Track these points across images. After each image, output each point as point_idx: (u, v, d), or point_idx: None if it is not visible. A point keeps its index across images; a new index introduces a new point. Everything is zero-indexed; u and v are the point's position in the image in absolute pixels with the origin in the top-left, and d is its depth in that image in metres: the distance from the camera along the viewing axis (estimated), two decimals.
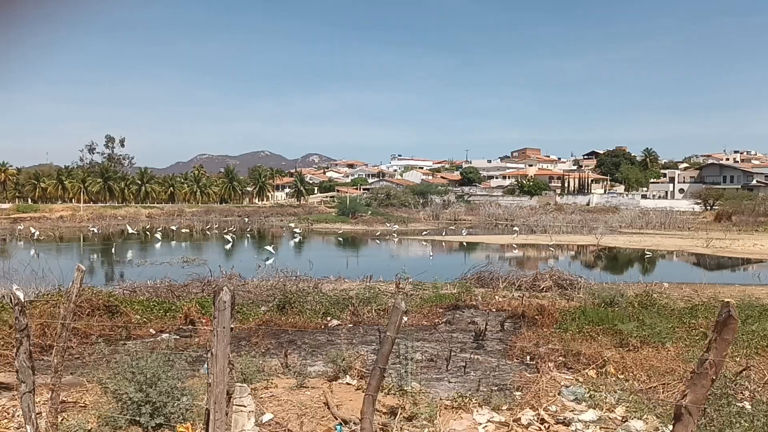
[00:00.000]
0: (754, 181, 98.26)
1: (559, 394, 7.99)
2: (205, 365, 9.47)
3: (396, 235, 59.10)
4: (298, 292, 16.34)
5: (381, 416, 6.94)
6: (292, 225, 70.25)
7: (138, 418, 5.70)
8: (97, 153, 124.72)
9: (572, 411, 7.43)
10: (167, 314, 14.49)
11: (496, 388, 8.64)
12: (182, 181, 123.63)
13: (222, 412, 4.05)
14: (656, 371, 8.72)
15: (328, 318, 14.90)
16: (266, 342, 12.16)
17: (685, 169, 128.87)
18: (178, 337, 12.92)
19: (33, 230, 57.31)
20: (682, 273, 32.88)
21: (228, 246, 48.04)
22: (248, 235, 62.13)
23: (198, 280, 19.88)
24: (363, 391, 7.92)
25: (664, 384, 7.61)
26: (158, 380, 5.91)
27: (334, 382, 8.38)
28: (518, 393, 8.23)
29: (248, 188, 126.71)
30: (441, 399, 7.71)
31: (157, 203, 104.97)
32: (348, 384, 8.35)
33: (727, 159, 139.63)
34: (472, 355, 10.90)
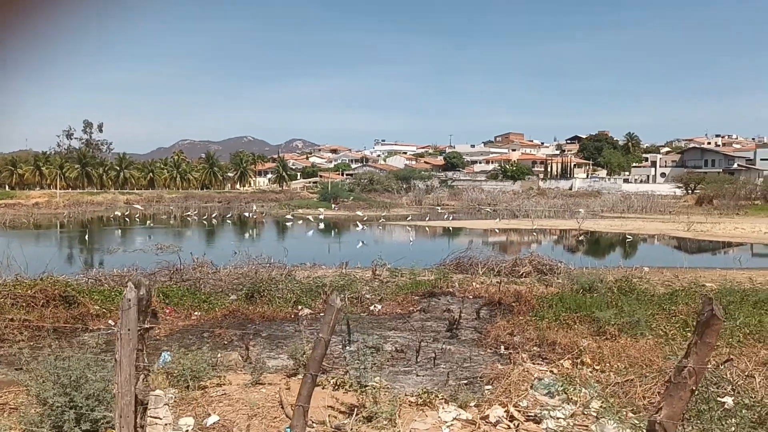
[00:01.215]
0: (735, 165, 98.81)
1: (531, 387, 7.54)
2: (160, 359, 8.92)
3: (385, 220, 58.59)
4: (269, 280, 15.75)
5: (338, 416, 6.44)
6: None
7: (61, 425, 5.14)
8: (75, 138, 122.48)
9: (544, 406, 6.97)
10: None
11: (466, 381, 8.18)
12: (162, 166, 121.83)
13: (129, 427, 3.52)
14: (634, 362, 8.29)
15: (299, 307, 14.36)
16: (230, 333, 11.61)
17: (667, 153, 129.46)
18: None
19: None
20: (663, 257, 32.73)
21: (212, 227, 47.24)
22: (228, 221, 61.24)
23: (167, 268, 19.20)
24: (323, 388, 7.44)
25: (642, 377, 7.17)
26: (86, 382, 5.35)
27: (293, 378, 7.85)
28: (489, 387, 7.78)
29: (230, 174, 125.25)
30: (406, 395, 7.22)
31: (137, 189, 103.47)
32: None
33: (709, 143, 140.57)
34: (444, 346, 10.44)
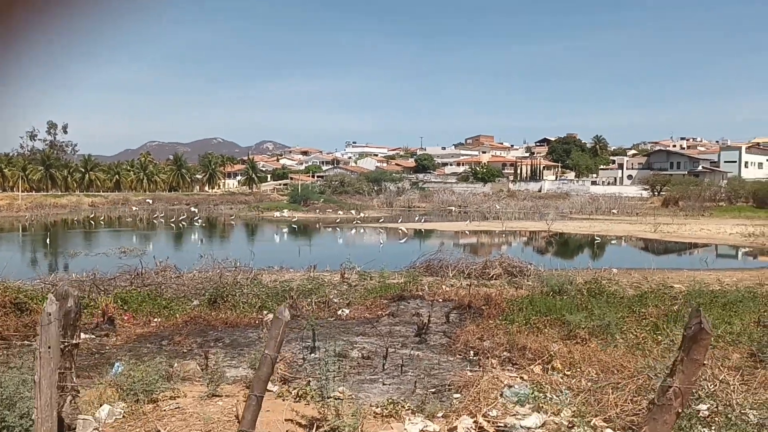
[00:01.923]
0: (700, 167, 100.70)
1: (501, 395, 7.28)
2: (113, 370, 8.45)
3: (361, 223, 58.17)
4: (233, 284, 15.28)
5: (297, 430, 6.08)
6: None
7: None
8: (39, 140, 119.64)
9: (514, 415, 6.72)
10: (85, 311, 13.25)
11: (434, 389, 7.88)
12: (128, 168, 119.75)
13: None
14: (605, 367, 8.10)
15: (264, 312, 13.88)
16: (190, 341, 11.15)
17: (634, 155, 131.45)
18: (93, 336, 11.77)
19: None
20: (631, 258, 32.98)
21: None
22: (195, 224, 60.21)
23: (128, 273, 18.56)
24: (283, 399, 7.08)
25: (615, 384, 6.96)
26: (20, 399, 4.91)
27: None
28: (457, 395, 7.49)
29: (198, 176, 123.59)
30: (371, 406, 6.90)
31: (102, 191, 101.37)
32: (268, 391, 7.43)
33: (674, 146, 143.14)
34: (412, 352, 10.14)
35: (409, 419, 6.44)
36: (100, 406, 6.41)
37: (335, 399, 6.59)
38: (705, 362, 2.76)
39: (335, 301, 15.10)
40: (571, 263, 29.41)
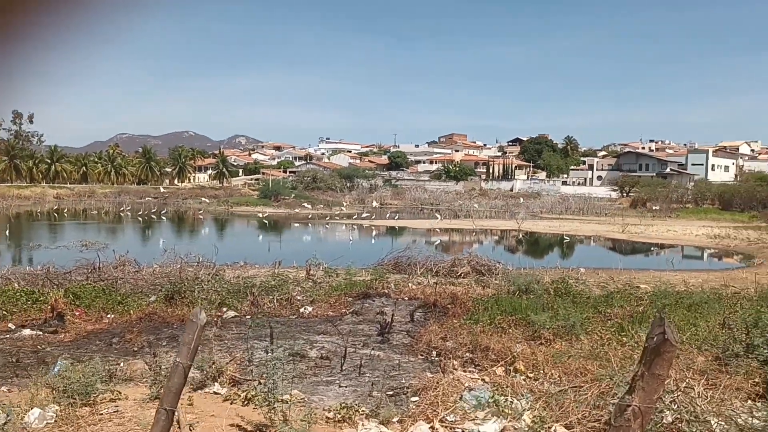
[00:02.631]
0: (668, 169, 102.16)
1: (460, 398, 7.00)
2: (54, 369, 7.97)
3: (340, 219, 57.64)
4: (192, 279, 14.79)
5: None
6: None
7: None
8: (4, 129, 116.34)
9: (473, 420, 6.44)
10: (35, 306, 12.67)
11: (392, 392, 7.57)
12: (96, 160, 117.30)
13: None
14: (568, 369, 7.87)
15: (224, 309, 13.49)
16: (142, 338, 10.67)
17: (604, 157, 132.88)
18: (41, 332, 11.22)
19: None
20: (598, 258, 33.14)
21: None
22: (163, 218, 59.10)
23: (85, 267, 17.92)
24: (231, 403, 6.70)
25: (577, 387, 6.73)
26: None
27: (199, 392, 7.08)
28: (415, 398, 7.19)
29: (168, 169, 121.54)
30: (324, 410, 6.56)
31: (69, 183, 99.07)
32: (215, 393, 7.06)
33: (643, 148, 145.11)
34: (373, 352, 9.81)
35: (363, 425, 6.12)
36: (31, 409, 5.96)
37: (285, 403, 6.22)
38: (668, 377, 2.48)
39: (298, 298, 14.71)
40: (540, 262, 29.42)
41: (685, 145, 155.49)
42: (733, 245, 36.82)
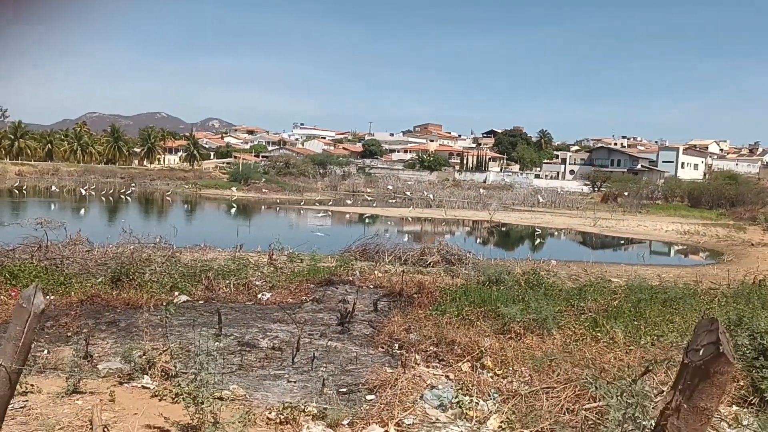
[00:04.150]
0: (639, 166, 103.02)
1: (421, 398, 6.31)
2: None
3: (308, 204, 56.58)
4: (143, 260, 13.86)
5: None
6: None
7: None
8: None
9: (434, 423, 5.76)
10: None
11: (345, 389, 6.85)
12: (62, 138, 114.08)
13: None
14: (540, 367, 7.23)
15: (175, 293, 12.61)
16: (79, 323, 9.76)
17: (577, 151, 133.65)
18: None
19: None
20: (570, 251, 32.88)
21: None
22: (128, 198, 57.47)
23: (32, 245, 16.82)
24: (160, 399, 5.91)
25: (549, 389, 6.07)
26: None
27: (126, 385, 6.27)
28: (371, 397, 6.48)
29: (136, 149, 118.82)
30: (266, 408, 5.81)
31: (34, 161, 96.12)
32: (144, 388, 6.25)
33: (615, 144, 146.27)
34: (330, 343, 9.07)
35: (308, 427, 5.39)
36: None
37: (222, 400, 5.45)
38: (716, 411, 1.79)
39: (257, 284, 13.89)
40: (511, 254, 29.00)
41: (656, 142, 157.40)
42: (703, 242, 36.89)
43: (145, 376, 6.45)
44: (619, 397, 5.03)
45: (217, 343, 8.54)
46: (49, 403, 5.57)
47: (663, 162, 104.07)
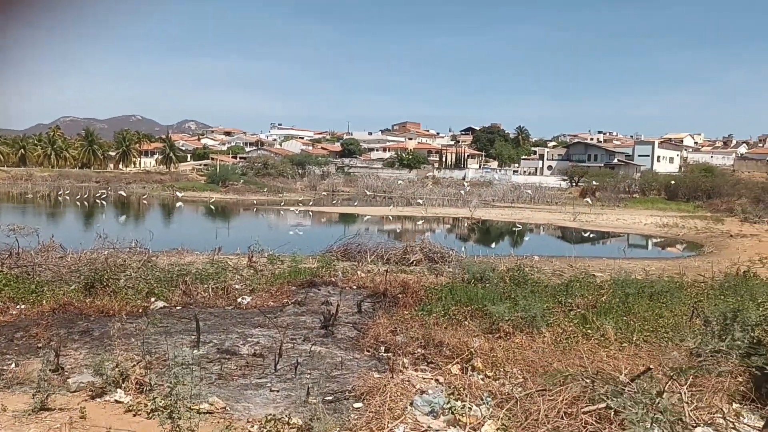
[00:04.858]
0: (615, 160, 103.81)
1: (411, 404, 6.03)
2: None
3: (287, 205, 55.97)
4: (118, 266, 13.40)
5: None
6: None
7: None
8: None
9: (426, 431, 5.47)
10: None
11: (332, 397, 6.54)
12: (36, 142, 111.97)
13: None
14: (532, 368, 7.00)
15: (152, 299, 12.20)
16: (51, 333, 9.33)
17: (554, 147, 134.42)
18: None
19: None
20: (551, 246, 32.91)
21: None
22: (104, 203, 56.42)
23: (2, 252, 16.22)
24: (134, 414, 5.55)
25: (545, 391, 5.82)
26: None
27: (98, 400, 5.90)
28: (359, 405, 6.19)
29: (111, 153, 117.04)
30: (248, 421, 5.48)
31: (6, 166, 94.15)
32: (117, 402, 5.89)
33: (592, 139, 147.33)
34: (314, 347, 8.75)
35: None
36: None
37: (200, 413, 5.12)
38: None
39: (236, 287, 13.52)
40: (493, 250, 28.85)
41: (631, 136, 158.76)
42: (682, 234, 37.13)
43: (119, 389, 6.08)
44: (620, 399, 4.81)
45: (195, 351, 8.22)
46: (14, 423, 5.19)
47: (639, 156, 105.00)
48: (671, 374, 5.00)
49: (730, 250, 26.83)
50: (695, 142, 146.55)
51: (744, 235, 33.10)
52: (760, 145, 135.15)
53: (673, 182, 71.93)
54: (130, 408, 5.69)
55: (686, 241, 34.43)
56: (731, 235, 33.62)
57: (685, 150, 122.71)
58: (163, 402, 5.41)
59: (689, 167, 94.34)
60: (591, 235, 38.98)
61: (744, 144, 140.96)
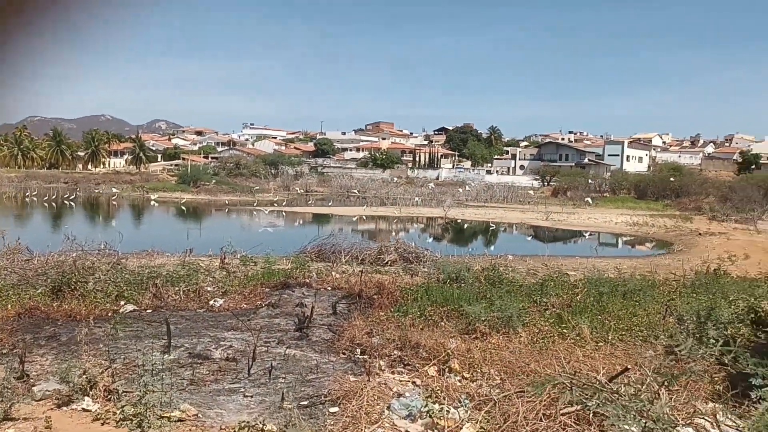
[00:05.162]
0: (586, 160, 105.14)
1: (388, 408, 5.93)
2: None
3: (260, 205, 55.44)
4: (86, 269, 13.07)
5: None
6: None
7: None
8: None
9: None
10: None
11: (307, 402, 6.42)
12: (2, 143, 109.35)
13: None
14: (510, 368, 6.96)
15: (121, 303, 11.92)
16: (15, 339, 9.03)
17: (526, 147, 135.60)
18: None
19: None
20: (525, 245, 33.11)
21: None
22: (72, 204, 55.28)
23: None
24: (102, 423, 5.37)
25: (523, 393, 5.78)
26: None
27: (64, 409, 5.69)
28: (335, 409, 6.07)
29: (80, 153, 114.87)
30: (220, 429, 5.33)
31: None
32: (84, 411, 5.68)
33: (563, 139, 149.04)
34: (288, 350, 8.61)
35: None
36: None
37: (171, 421, 4.96)
38: None
39: (208, 289, 13.28)
40: (468, 250, 28.92)
41: (601, 136, 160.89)
42: (652, 232, 37.69)
43: (86, 397, 5.87)
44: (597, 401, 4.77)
45: (166, 356, 8.02)
46: None
47: (609, 155, 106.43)
48: (663, 380, 4.95)
49: (700, 248, 27.29)
50: (663, 142, 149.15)
51: (712, 234, 33.71)
52: (727, 144, 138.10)
53: (640, 182, 73.10)
54: (98, 417, 5.49)
55: (656, 239, 34.96)
56: (700, 234, 34.21)
57: (654, 149, 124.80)
58: (132, 410, 5.23)
59: (658, 167, 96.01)
60: (579, 235, 39.27)
61: (711, 144, 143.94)
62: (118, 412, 5.43)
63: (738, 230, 36.16)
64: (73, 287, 12.01)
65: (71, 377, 5.95)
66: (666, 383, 5.03)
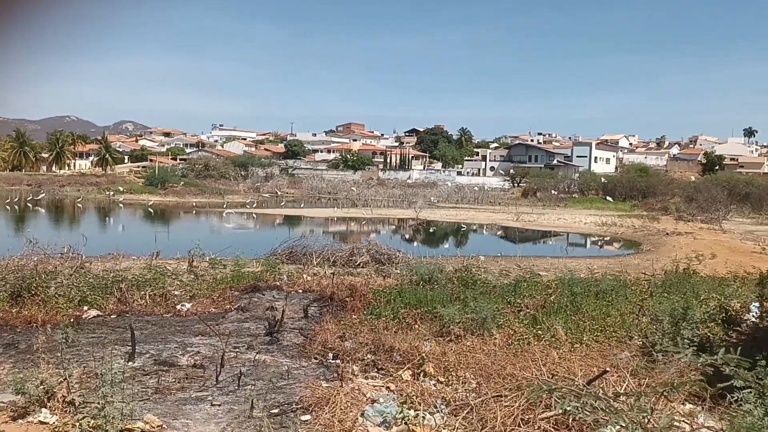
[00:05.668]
0: (555, 161, 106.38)
1: (362, 415, 5.75)
2: None
3: (229, 207, 54.71)
4: (47, 273, 12.62)
5: None
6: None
7: None
8: None
9: None
10: None
11: (277, 410, 6.20)
12: None
13: None
14: (486, 371, 6.83)
15: (85, 308, 11.52)
16: None
17: (496, 148, 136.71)
18: None
19: None
20: (496, 246, 33.13)
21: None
22: (38, 207, 53.88)
23: None
24: None
25: (499, 397, 5.65)
26: None
27: (20, 422, 5.38)
28: (306, 417, 5.86)
29: (44, 155, 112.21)
30: None
31: None
32: (41, 423, 5.38)
33: (532, 140, 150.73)
34: (258, 356, 8.36)
35: None
36: None
37: None
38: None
39: (176, 293, 12.93)
40: (439, 251, 28.90)
41: (570, 138, 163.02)
42: (620, 233, 38.14)
43: (44, 409, 5.56)
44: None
45: (130, 363, 7.71)
46: None
47: (577, 157, 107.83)
48: (662, 391, 4.84)
49: (667, 248, 27.64)
50: (630, 143, 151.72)
51: (679, 233, 34.23)
52: (691, 146, 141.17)
53: (604, 180, 74.18)
54: (56, 429, 5.20)
55: (625, 239, 35.38)
56: (667, 233, 34.71)
57: (621, 151, 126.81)
58: (92, 422, 4.95)
59: (625, 167, 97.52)
60: (549, 236, 39.53)
61: (676, 145, 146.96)
62: (77, 424, 5.14)
63: (704, 230, 36.78)
64: (33, 292, 11.54)
65: (28, 388, 5.63)
66: (665, 393, 4.92)
